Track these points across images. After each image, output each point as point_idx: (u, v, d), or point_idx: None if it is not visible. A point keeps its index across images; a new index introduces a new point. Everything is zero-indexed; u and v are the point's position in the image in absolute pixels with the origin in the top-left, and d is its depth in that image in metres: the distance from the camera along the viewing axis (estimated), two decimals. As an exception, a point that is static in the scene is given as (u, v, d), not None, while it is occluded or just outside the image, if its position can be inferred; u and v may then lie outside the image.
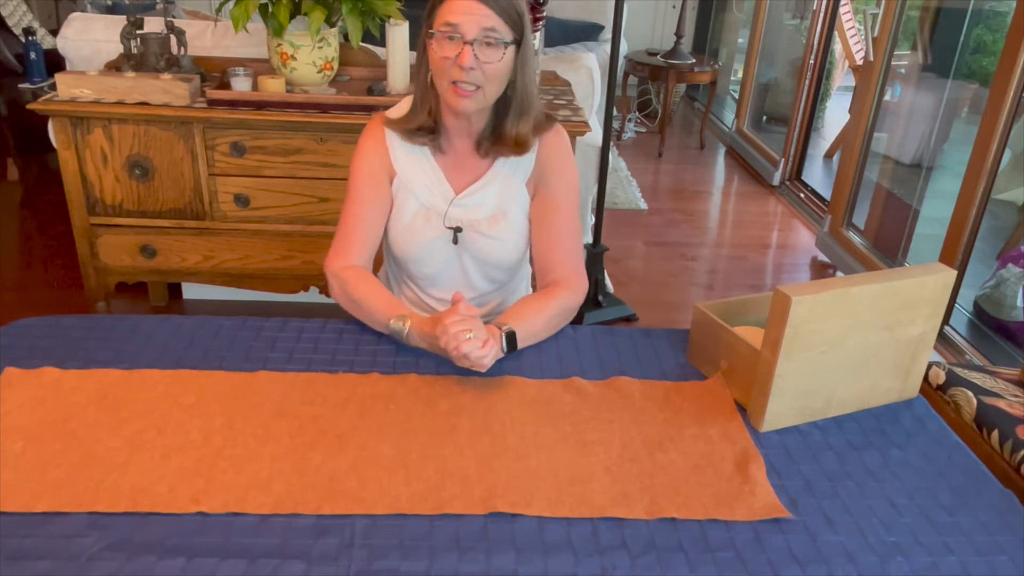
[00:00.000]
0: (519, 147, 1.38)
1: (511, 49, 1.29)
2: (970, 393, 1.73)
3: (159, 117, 2.13)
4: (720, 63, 5.17)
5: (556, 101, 2.39)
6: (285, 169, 2.23)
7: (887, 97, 3.38)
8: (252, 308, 2.72)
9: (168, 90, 2.12)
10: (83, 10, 3.97)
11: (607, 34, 4.96)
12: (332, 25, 2.21)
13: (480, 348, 1.21)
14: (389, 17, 2.21)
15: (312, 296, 2.54)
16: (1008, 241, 3.08)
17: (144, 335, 1.34)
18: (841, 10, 4.26)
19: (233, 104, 2.15)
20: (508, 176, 1.43)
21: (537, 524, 0.99)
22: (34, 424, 1.11)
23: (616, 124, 4.94)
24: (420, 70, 1.36)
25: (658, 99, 5.27)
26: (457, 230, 1.43)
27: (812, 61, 4.12)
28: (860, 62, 4.22)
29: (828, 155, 4.63)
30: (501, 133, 1.37)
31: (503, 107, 1.36)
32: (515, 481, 1.05)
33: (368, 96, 2.24)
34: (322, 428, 1.14)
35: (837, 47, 4.54)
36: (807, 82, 4.14)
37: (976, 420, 1.69)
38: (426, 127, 1.39)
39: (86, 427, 1.11)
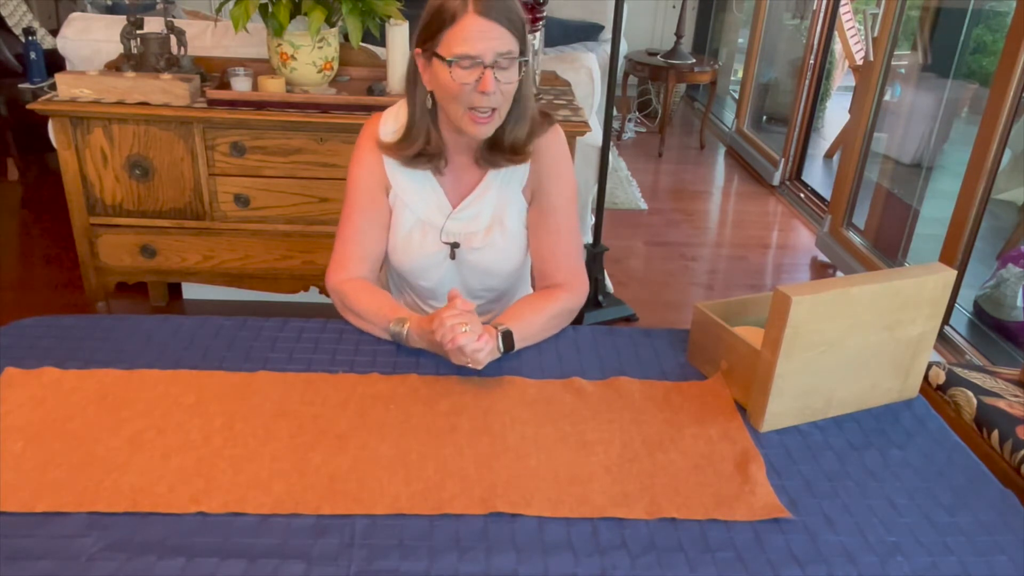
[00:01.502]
0: (515, 154, 1.35)
1: (521, 63, 1.27)
2: (970, 393, 1.73)
3: (159, 117, 2.13)
4: (720, 63, 5.17)
5: (556, 101, 2.39)
6: (285, 169, 2.23)
7: (887, 97, 3.38)
8: (252, 308, 2.72)
9: (168, 90, 2.12)
10: (83, 10, 3.96)
11: (607, 34, 4.96)
12: (332, 25, 2.21)
13: (476, 341, 1.21)
14: (389, 17, 2.21)
15: (312, 296, 2.54)
16: (1008, 241, 3.08)
17: (144, 335, 1.34)
18: (841, 10, 4.26)
19: (233, 104, 2.15)
20: (504, 184, 1.40)
21: (537, 524, 0.99)
22: (34, 424, 1.11)
23: (616, 124, 4.94)
24: (415, 93, 1.32)
25: (658, 99, 5.27)
26: (454, 246, 1.42)
27: (812, 61, 4.12)
28: (860, 62, 4.21)
29: (828, 155, 4.63)
30: (499, 139, 1.34)
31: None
32: (515, 481, 1.05)
33: (368, 96, 2.24)
34: (322, 428, 1.14)
35: (837, 47, 4.54)
36: (807, 82, 4.14)
37: (976, 420, 1.68)
38: (425, 154, 1.36)
39: (86, 427, 1.11)
